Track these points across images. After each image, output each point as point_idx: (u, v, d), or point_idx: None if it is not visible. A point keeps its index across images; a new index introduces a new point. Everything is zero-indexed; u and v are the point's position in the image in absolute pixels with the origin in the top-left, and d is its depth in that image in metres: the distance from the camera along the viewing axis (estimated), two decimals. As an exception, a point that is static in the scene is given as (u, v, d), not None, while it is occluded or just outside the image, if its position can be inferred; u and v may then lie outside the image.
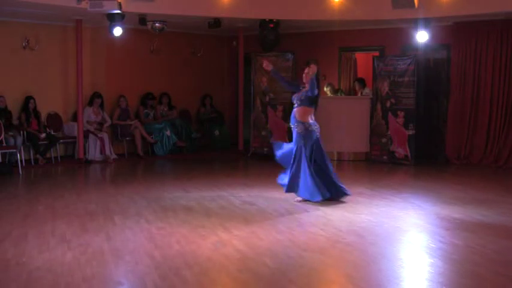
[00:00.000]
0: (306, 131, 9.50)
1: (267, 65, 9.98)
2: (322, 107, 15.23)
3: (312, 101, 9.56)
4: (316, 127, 9.59)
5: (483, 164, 14.00)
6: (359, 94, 15.68)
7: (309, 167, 9.40)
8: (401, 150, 14.14)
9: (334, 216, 8.68)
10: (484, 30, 14.02)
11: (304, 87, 9.60)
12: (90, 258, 6.48)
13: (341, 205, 9.30)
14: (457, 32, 14.35)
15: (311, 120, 9.60)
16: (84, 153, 14.41)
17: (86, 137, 14.49)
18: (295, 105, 9.64)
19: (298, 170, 9.52)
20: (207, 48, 17.58)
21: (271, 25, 14.91)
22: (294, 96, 9.72)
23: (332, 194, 9.54)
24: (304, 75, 9.55)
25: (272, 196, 10.13)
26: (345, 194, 9.65)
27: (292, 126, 9.70)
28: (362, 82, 15.76)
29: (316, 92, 9.45)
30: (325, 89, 15.64)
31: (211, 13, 14.28)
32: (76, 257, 6.55)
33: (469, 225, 8.18)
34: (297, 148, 9.58)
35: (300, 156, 9.51)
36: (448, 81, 14.73)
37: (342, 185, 9.70)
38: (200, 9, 14.00)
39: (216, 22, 14.69)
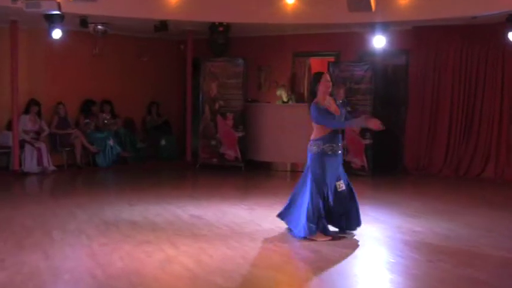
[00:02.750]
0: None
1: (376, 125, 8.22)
2: (273, 115, 15.43)
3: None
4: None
5: (443, 174, 14.17)
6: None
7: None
8: (357, 161, 14.22)
9: (287, 230, 8.66)
10: (444, 36, 14.22)
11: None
12: (26, 279, 6.32)
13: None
14: (416, 37, 14.53)
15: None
16: (20, 165, 14.14)
17: (21, 147, 14.22)
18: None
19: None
20: (154, 52, 17.44)
21: (221, 28, 14.86)
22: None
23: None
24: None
25: (222, 209, 10.09)
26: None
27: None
28: None
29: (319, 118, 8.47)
30: (277, 92, 15.63)
31: (157, 15, 14.16)
32: (10, 277, 6.38)
33: (430, 239, 8.24)
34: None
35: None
36: (406, 89, 14.88)
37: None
38: (145, 11, 13.85)
39: (163, 25, 14.54)
